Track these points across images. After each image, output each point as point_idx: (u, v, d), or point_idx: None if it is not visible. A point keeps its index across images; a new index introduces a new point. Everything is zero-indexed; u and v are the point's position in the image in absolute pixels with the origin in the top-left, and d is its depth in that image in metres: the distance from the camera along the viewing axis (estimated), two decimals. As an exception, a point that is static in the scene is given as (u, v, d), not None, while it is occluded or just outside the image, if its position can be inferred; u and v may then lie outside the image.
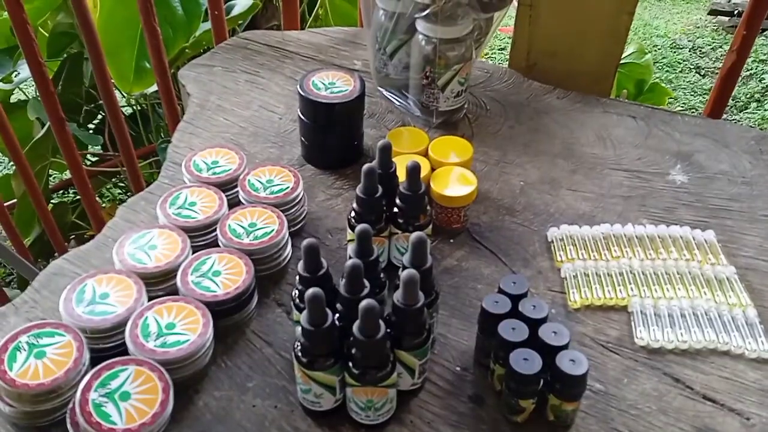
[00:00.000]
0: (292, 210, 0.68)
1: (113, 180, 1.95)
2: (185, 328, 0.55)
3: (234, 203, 0.69)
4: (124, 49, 1.35)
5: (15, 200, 1.58)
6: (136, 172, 1.34)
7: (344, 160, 0.79)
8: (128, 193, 2.17)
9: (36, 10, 1.44)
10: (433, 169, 0.72)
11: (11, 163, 1.77)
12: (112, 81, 1.28)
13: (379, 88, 0.91)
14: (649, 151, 0.81)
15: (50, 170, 1.62)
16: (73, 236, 1.95)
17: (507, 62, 1.01)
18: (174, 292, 0.59)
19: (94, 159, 1.94)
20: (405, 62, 0.87)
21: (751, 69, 3.03)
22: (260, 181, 0.69)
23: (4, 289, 1.53)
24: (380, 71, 0.89)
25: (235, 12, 1.38)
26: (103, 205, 2.27)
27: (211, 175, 0.70)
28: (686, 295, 0.63)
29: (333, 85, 0.76)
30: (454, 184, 0.69)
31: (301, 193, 0.70)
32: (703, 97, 2.90)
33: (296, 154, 0.81)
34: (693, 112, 2.81)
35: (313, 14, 1.50)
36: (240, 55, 0.97)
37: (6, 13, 1.18)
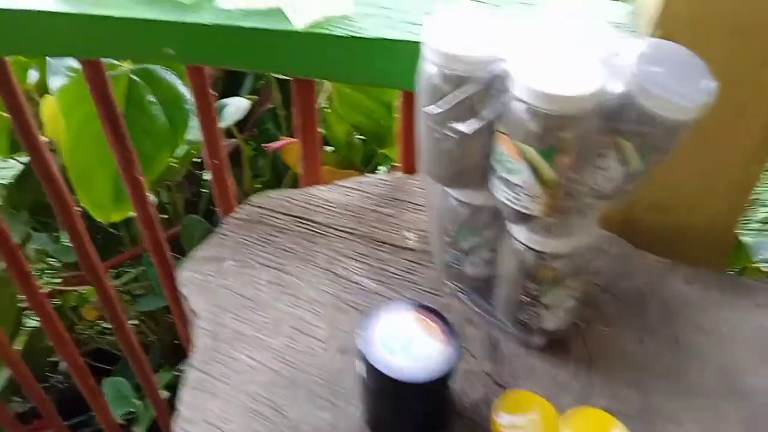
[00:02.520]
0: None
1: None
2: None
3: None
4: (97, 171, 1.11)
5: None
6: (111, 302, 1.10)
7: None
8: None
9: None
10: (571, 474, 0.50)
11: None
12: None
13: (447, 282, 0.68)
14: (838, 378, 0.60)
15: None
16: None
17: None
18: None
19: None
20: (487, 258, 0.64)
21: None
22: None
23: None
24: (451, 266, 0.67)
25: (228, 119, 1.14)
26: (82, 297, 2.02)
27: None
28: None
29: (411, 343, 0.52)
30: None
31: None
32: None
33: (354, 418, 0.58)
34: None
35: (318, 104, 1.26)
36: (255, 236, 0.73)
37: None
